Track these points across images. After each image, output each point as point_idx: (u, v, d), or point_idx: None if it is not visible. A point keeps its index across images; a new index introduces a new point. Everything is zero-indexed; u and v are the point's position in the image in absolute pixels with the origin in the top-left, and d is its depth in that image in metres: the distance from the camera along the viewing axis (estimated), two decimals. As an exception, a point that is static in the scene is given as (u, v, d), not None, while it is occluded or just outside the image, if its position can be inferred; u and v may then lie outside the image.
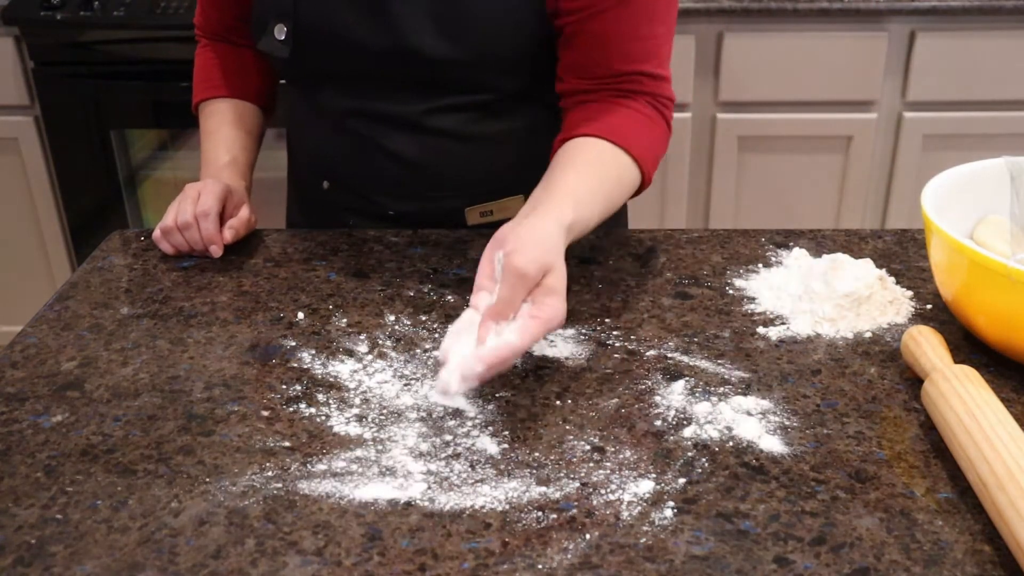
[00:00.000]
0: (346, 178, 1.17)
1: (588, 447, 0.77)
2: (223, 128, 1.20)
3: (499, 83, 1.08)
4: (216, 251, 1.07)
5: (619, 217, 1.24)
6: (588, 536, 0.68)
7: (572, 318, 0.95)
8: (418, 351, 0.90)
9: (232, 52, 1.24)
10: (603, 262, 1.06)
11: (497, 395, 0.84)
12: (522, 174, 1.08)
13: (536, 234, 0.84)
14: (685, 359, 0.89)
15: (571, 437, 0.79)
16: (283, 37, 1.07)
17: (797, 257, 1.03)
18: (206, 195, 1.08)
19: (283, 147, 1.37)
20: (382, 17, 1.03)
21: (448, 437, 0.79)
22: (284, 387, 0.86)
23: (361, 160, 1.14)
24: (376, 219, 1.17)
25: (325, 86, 1.12)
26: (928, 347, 0.83)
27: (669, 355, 0.89)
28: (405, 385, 0.86)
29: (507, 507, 0.71)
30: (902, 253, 1.07)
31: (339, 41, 1.06)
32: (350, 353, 0.90)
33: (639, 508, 0.71)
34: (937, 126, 2.26)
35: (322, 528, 0.69)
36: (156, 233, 1.09)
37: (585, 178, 0.95)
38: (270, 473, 0.75)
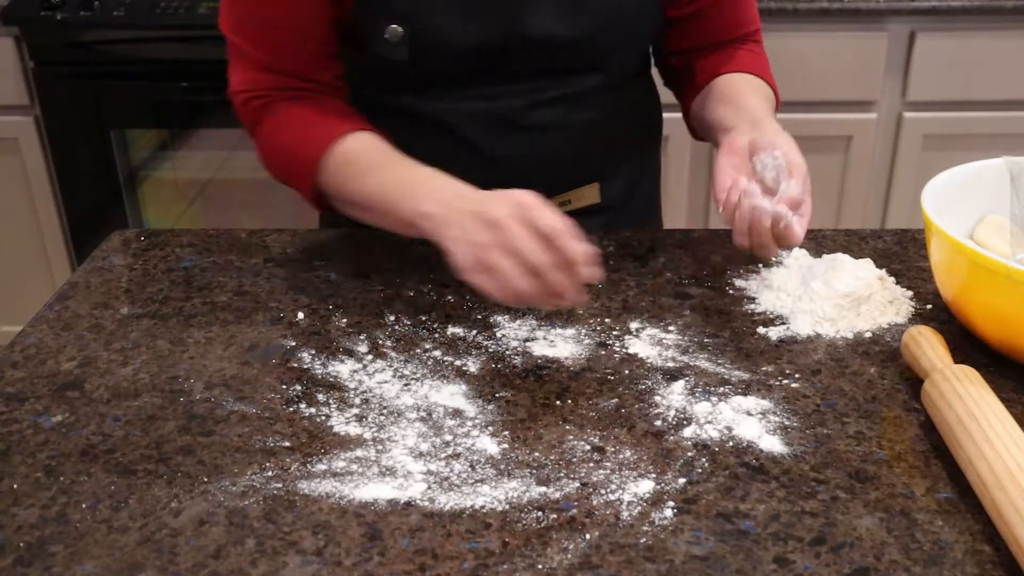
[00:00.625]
0: None
1: (588, 447, 0.77)
2: (386, 156, 0.98)
3: (608, 66, 1.10)
4: (595, 275, 0.84)
5: (654, 211, 1.29)
6: (588, 536, 0.68)
7: (572, 318, 0.95)
8: (418, 351, 0.90)
9: (314, 101, 1.04)
10: (603, 262, 1.06)
11: (497, 395, 0.84)
12: (597, 162, 1.15)
13: (788, 136, 0.97)
14: (685, 359, 0.89)
15: (571, 437, 0.79)
16: (398, 39, 1.00)
17: (797, 257, 1.03)
18: (537, 208, 0.82)
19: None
20: (498, 3, 1.01)
21: (448, 437, 0.79)
22: (284, 387, 0.86)
23: (444, 162, 0.98)
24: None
25: (426, 89, 1.07)
26: (928, 347, 0.83)
27: (669, 355, 0.89)
28: (405, 385, 0.86)
29: (507, 507, 0.71)
30: (902, 253, 1.07)
31: (457, 36, 1.01)
32: (350, 353, 0.90)
33: (639, 508, 0.71)
34: (937, 126, 2.25)
35: (322, 528, 0.69)
36: (492, 291, 0.84)
37: (759, 100, 1.06)
38: (270, 473, 0.75)
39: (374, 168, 0.97)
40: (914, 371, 0.84)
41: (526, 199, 0.82)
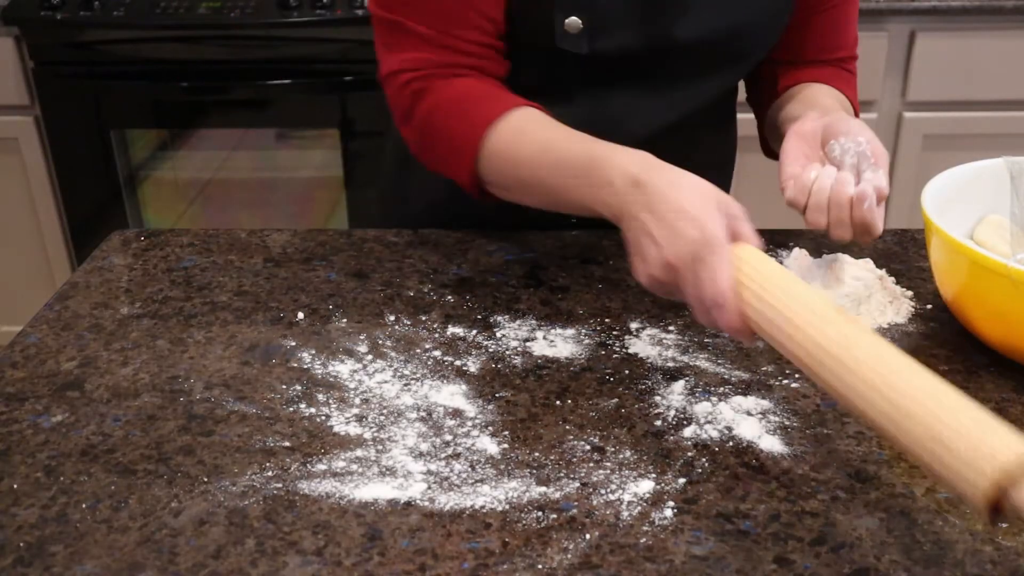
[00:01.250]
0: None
1: (588, 447, 0.77)
2: (555, 132, 0.92)
3: (750, 62, 1.10)
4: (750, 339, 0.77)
5: None
6: (588, 536, 0.68)
7: (572, 318, 0.95)
8: (418, 351, 0.90)
9: (474, 80, 0.98)
10: (603, 262, 1.06)
11: (497, 395, 0.84)
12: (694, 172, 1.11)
13: (869, 129, 0.92)
14: (685, 359, 0.89)
15: (571, 437, 0.79)
16: (577, 31, 0.95)
17: (797, 257, 1.03)
18: (719, 264, 0.74)
19: (283, 147, 1.35)
20: (673, 5, 0.98)
21: (448, 437, 0.79)
22: (284, 387, 0.86)
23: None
24: (546, 228, 1.10)
25: (591, 86, 1.02)
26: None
27: (669, 355, 0.89)
28: (405, 385, 0.86)
29: (507, 507, 0.71)
30: (902, 253, 1.07)
31: (627, 32, 0.98)
32: (350, 353, 0.90)
33: (639, 508, 0.71)
34: (937, 126, 2.25)
35: (322, 528, 0.69)
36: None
37: (837, 106, 1.04)
38: (270, 473, 0.75)
39: (543, 151, 0.90)
40: None
41: (713, 245, 0.75)
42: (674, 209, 0.77)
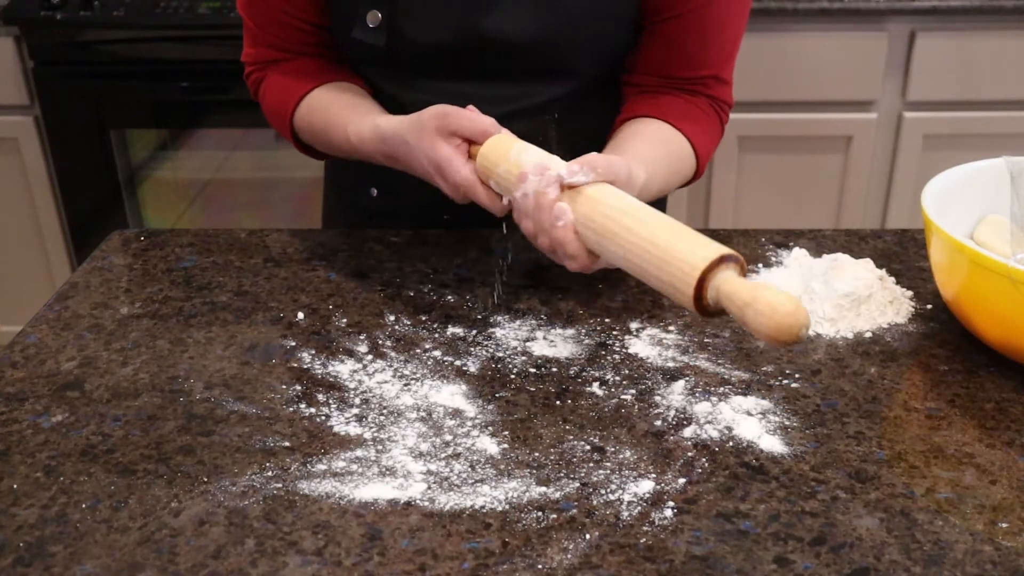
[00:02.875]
0: (399, 185, 1.08)
1: (588, 447, 0.77)
2: (341, 100, 1.07)
3: (573, 72, 1.07)
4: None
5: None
6: (588, 536, 0.68)
7: (572, 318, 0.95)
8: (418, 351, 0.90)
9: (292, 64, 1.11)
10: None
11: (497, 395, 0.84)
12: None
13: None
14: (685, 359, 0.89)
15: (571, 437, 0.79)
16: (376, 24, 1.02)
17: (797, 257, 1.03)
18: (451, 164, 0.91)
19: (280, 147, 1.37)
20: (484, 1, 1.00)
21: (448, 437, 0.79)
22: (284, 387, 0.86)
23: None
24: (424, 224, 1.14)
25: (398, 77, 1.08)
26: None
27: (669, 355, 0.89)
28: (405, 385, 0.86)
29: (507, 507, 0.71)
30: (902, 253, 1.07)
31: (424, 27, 1.02)
32: (350, 353, 0.90)
33: (639, 508, 0.71)
34: (937, 126, 2.25)
35: (322, 528, 0.69)
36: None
37: (652, 149, 1.00)
38: (270, 473, 0.75)
39: (327, 131, 1.06)
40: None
41: (437, 155, 0.91)
42: (413, 153, 0.94)
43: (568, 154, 0.89)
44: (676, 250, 0.75)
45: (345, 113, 1.04)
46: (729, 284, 0.71)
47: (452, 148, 0.91)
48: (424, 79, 1.07)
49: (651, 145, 1.01)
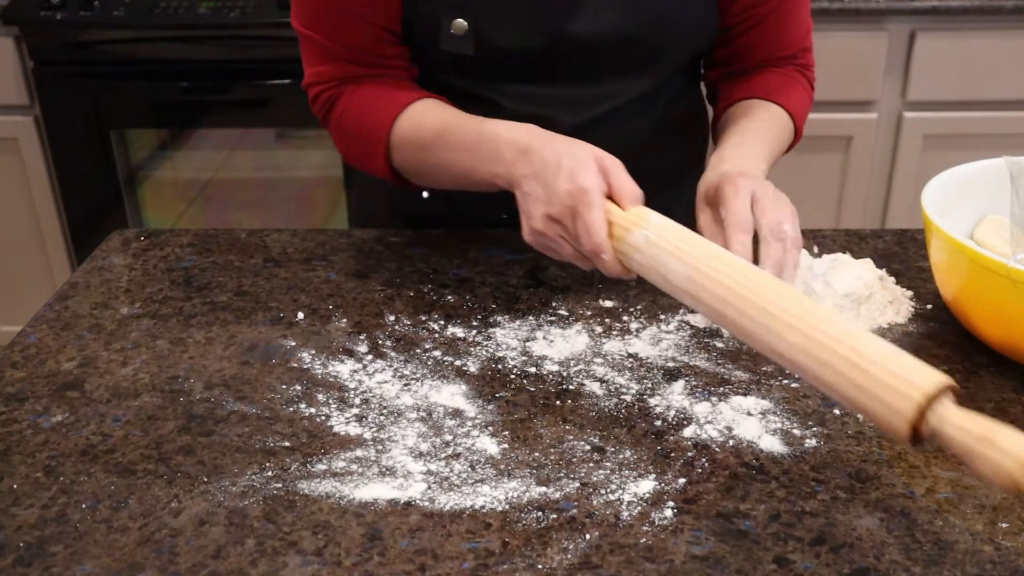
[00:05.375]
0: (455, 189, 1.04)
1: (588, 447, 0.77)
2: (451, 119, 0.99)
3: (663, 64, 1.08)
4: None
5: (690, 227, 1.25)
6: (588, 536, 0.68)
7: (572, 318, 0.95)
8: (418, 351, 0.90)
9: (377, 82, 1.04)
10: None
11: (497, 395, 0.84)
12: (642, 178, 1.09)
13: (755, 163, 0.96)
14: (685, 359, 0.89)
15: (571, 437, 0.79)
16: (462, 33, 0.99)
17: (797, 257, 1.03)
18: (591, 212, 0.85)
19: (281, 147, 1.35)
20: (568, 2, 1.00)
21: (448, 437, 0.79)
22: (284, 387, 0.86)
23: None
24: (479, 226, 1.13)
25: (485, 82, 1.05)
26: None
27: (669, 355, 0.89)
28: (405, 385, 0.85)
29: (507, 507, 0.71)
30: (902, 253, 1.07)
31: (523, 31, 1.00)
32: (350, 353, 0.90)
33: (639, 508, 0.71)
34: (937, 126, 2.25)
35: (322, 528, 0.69)
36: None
37: (766, 133, 1.04)
38: (270, 473, 0.75)
39: (442, 134, 0.98)
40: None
41: (586, 196, 0.84)
42: (553, 168, 0.87)
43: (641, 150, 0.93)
44: (892, 367, 0.66)
45: (467, 114, 0.99)
46: (960, 416, 0.63)
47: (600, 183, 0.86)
48: (508, 84, 1.05)
49: (762, 129, 1.04)
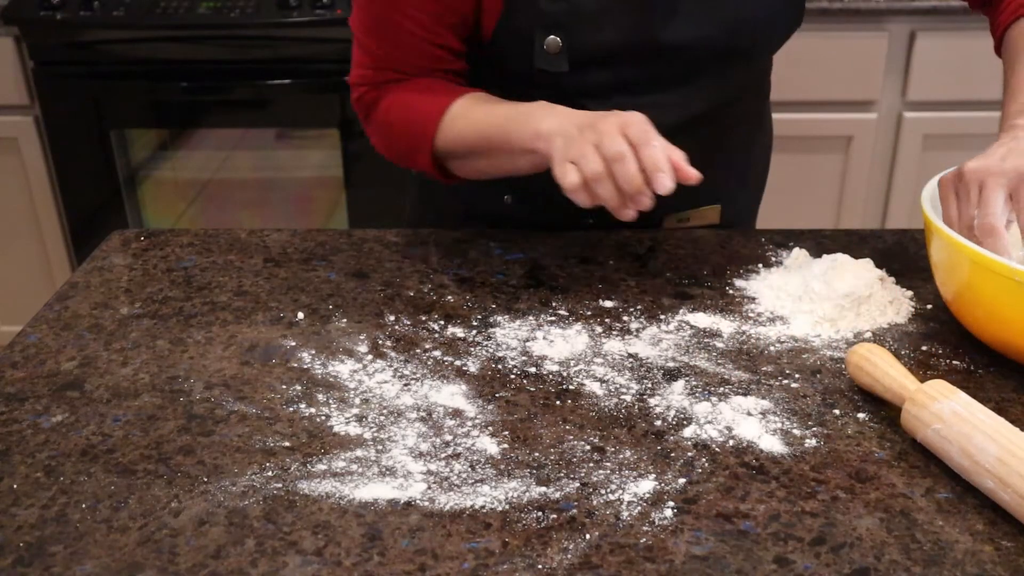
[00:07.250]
0: (539, 192, 1.03)
1: (588, 447, 0.77)
2: (495, 100, 1.01)
3: (751, 65, 1.09)
4: (665, 183, 0.85)
5: (748, 218, 1.25)
6: (588, 536, 0.68)
7: (572, 318, 0.95)
8: (418, 351, 0.90)
9: (422, 81, 1.05)
10: (603, 262, 1.06)
11: (497, 395, 0.84)
12: (720, 181, 1.06)
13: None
14: (685, 359, 0.89)
15: (571, 437, 0.79)
16: (557, 51, 0.99)
17: (797, 257, 1.03)
18: (636, 124, 0.87)
19: (281, 147, 1.35)
20: (661, 10, 1.00)
21: (448, 437, 0.79)
22: (284, 387, 0.86)
23: None
24: (561, 229, 1.12)
25: (572, 103, 1.01)
26: (885, 365, 0.81)
27: (669, 355, 0.89)
28: (405, 385, 0.86)
29: (507, 507, 0.71)
30: (902, 253, 1.07)
31: (615, 43, 1.00)
32: (350, 353, 0.90)
33: (639, 508, 0.71)
34: (937, 126, 2.26)
35: (322, 528, 0.69)
36: (573, 180, 0.88)
37: None
38: (270, 473, 0.75)
39: (484, 111, 1.00)
40: (872, 390, 0.82)
41: (633, 117, 0.88)
42: (592, 113, 0.90)
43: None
44: None
45: (510, 104, 1.00)
46: None
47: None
48: (592, 99, 1.03)
49: None
